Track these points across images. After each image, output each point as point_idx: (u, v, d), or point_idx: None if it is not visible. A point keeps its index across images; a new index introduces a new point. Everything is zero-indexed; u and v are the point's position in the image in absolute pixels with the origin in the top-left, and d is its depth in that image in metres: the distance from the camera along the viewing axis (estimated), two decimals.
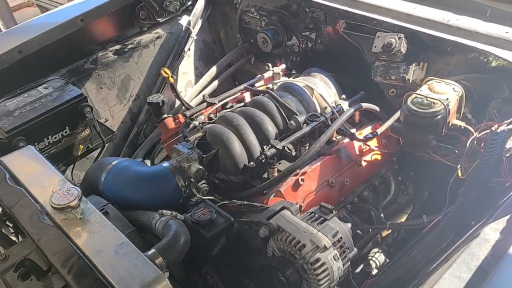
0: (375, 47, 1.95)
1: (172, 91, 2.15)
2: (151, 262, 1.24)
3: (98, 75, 2.35)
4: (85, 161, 2.27)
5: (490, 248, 1.23)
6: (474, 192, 1.48)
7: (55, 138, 1.98)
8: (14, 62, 2.12)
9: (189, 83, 2.68)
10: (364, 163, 1.90)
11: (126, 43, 2.48)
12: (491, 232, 1.28)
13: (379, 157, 1.96)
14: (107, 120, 2.36)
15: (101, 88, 2.36)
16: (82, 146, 2.09)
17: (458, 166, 1.64)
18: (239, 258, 1.59)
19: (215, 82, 2.57)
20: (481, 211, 1.47)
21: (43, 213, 1.39)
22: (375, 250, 1.92)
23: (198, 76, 2.68)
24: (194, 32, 2.60)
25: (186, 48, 2.57)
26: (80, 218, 1.36)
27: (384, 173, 2.01)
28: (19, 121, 1.87)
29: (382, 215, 1.88)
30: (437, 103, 1.67)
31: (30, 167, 1.59)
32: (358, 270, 1.88)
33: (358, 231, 1.86)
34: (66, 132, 2.01)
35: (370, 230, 1.87)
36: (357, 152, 1.90)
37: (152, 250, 1.32)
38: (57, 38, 2.21)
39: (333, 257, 1.38)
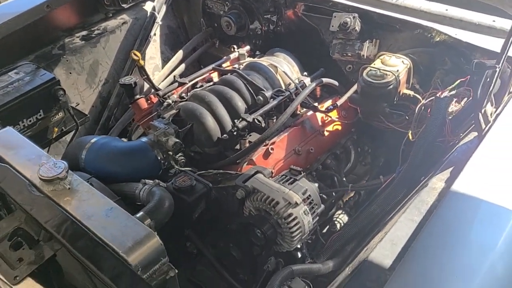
0: (332, 26, 2.12)
1: (142, 73, 2.23)
2: (141, 222, 1.35)
3: (67, 61, 2.39)
4: (57, 145, 2.32)
5: (437, 195, 1.42)
6: (423, 150, 1.68)
7: (30, 121, 2.03)
8: None
9: (157, 67, 2.76)
10: (326, 133, 2.08)
11: (92, 29, 2.53)
12: (438, 182, 1.48)
13: (339, 127, 2.14)
14: (78, 104, 2.42)
15: (70, 73, 2.40)
16: (56, 129, 2.14)
17: (409, 131, 1.85)
18: (217, 222, 1.73)
19: (182, 66, 2.68)
20: (429, 166, 1.68)
21: (31, 186, 1.47)
22: (339, 212, 2.11)
23: (165, 60, 2.77)
24: (159, 17, 2.68)
25: (152, 33, 2.65)
26: (69, 189, 1.45)
27: (345, 143, 2.19)
28: None
29: (344, 179, 2.07)
30: (389, 75, 1.87)
31: (12, 145, 1.65)
32: (324, 230, 2.07)
33: (323, 195, 2.03)
34: (40, 115, 2.06)
35: (333, 193, 2.05)
36: (320, 123, 2.07)
37: (140, 213, 1.44)
38: (24, 25, 2.24)
39: (304, 212, 1.55)
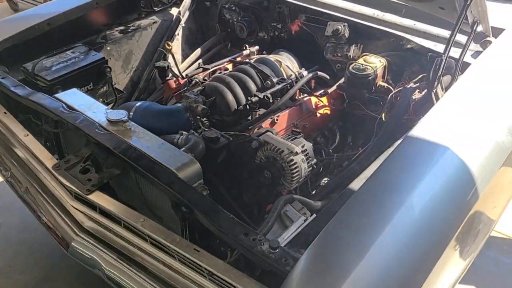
0: (327, 32, 2.70)
1: (168, 60, 2.76)
2: (185, 153, 1.85)
3: (108, 48, 2.90)
4: None
5: None
6: (393, 123, 2.22)
7: (82, 90, 2.52)
8: (43, 32, 2.63)
9: (177, 62, 3.28)
10: (318, 115, 2.61)
11: (129, 25, 3.05)
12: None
13: (328, 112, 2.68)
14: (115, 85, 2.90)
15: (109, 58, 2.90)
16: (100, 100, 2.63)
17: (383, 113, 2.40)
18: (233, 170, 2.22)
19: (199, 61, 3.22)
20: (396, 137, 2.22)
21: (100, 127, 1.95)
22: (325, 179, 2.62)
23: (184, 56, 3.30)
24: (183, 20, 3.23)
25: (176, 33, 3.19)
26: (130, 129, 1.94)
27: (332, 126, 2.73)
28: (58, 74, 2.41)
29: (330, 150, 2.60)
30: (369, 69, 2.43)
31: (79, 100, 2.14)
32: (313, 192, 2.57)
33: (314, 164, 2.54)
34: (90, 86, 2.55)
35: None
36: (314, 106, 2.61)
37: (183, 149, 1.93)
38: (77, 16, 2.75)
39: (301, 160, 2.06)
